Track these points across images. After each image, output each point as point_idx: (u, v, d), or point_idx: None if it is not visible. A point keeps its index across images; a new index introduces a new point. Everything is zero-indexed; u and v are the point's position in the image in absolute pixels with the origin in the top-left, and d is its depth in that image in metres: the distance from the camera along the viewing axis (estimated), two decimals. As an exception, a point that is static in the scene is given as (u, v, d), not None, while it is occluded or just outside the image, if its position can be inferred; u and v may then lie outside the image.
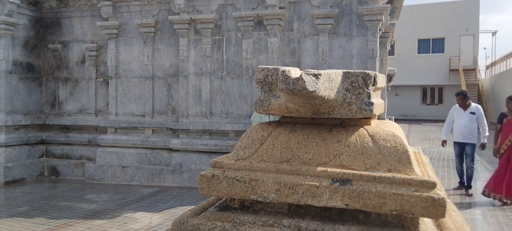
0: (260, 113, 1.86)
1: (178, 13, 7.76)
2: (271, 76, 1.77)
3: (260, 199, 1.69)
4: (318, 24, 7.22)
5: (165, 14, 8.02)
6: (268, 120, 5.54)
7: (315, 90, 1.51)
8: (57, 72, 8.93)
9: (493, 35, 32.22)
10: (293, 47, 7.47)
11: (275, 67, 1.77)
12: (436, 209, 1.49)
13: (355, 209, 1.58)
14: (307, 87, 1.50)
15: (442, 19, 28.22)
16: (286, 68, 1.62)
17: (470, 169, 7.33)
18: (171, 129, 8.03)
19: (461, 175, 7.56)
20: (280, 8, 7.32)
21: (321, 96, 1.57)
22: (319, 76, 1.55)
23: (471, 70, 28.32)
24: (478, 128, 7.42)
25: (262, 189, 1.69)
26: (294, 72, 1.57)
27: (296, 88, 1.49)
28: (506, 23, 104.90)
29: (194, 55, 7.81)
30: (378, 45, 7.18)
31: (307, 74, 1.52)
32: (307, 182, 1.64)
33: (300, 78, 1.51)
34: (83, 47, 8.63)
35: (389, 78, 11.35)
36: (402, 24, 20.75)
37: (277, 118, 2.11)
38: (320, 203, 1.61)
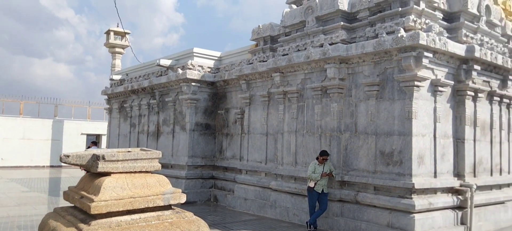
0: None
1: (278, 87, 10.37)
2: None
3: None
4: (367, 91, 8.39)
5: (272, 87, 10.77)
6: (319, 171, 7.80)
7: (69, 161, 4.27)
8: (223, 129, 12.96)
9: None
10: (352, 110, 8.82)
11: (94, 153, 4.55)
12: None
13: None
14: (65, 160, 4.29)
15: None
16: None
17: None
18: (274, 173, 10.53)
19: None
20: (340, 79, 8.88)
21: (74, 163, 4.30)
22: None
23: None
24: None
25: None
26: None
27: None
28: None
29: (287, 117, 10.18)
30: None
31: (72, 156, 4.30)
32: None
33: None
34: (233, 112, 12.35)
35: None
36: None
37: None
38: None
